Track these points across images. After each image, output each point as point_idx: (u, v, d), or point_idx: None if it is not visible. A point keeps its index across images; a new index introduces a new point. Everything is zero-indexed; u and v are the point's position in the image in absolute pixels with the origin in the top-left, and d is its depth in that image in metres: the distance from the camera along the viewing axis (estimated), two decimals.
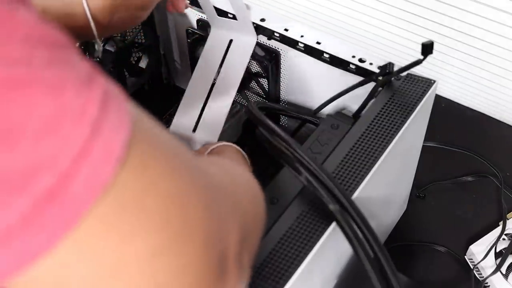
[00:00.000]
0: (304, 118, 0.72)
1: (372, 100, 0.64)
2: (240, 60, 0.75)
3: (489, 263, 0.76)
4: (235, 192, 0.39)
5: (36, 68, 0.25)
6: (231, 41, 0.76)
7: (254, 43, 0.75)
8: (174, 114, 0.95)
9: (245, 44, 0.75)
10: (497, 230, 0.80)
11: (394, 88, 0.64)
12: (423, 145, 0.75)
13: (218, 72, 0.76)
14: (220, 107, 0.73)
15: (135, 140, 0.29)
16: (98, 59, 0.80)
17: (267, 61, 0.76)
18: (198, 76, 0.77)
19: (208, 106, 0.75)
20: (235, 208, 0.37)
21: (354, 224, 0.50)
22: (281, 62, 0.77)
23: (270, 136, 0.56)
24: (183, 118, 0.75)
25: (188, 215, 0.30)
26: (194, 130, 0.75)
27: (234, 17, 0.75)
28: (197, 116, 0.75)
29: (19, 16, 0.25)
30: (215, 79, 0.76)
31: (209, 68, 0.76)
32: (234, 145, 0.61)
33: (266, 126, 0.57)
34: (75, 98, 0.26)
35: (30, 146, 0.25)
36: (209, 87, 0.76)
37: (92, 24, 0.57)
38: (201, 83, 0.76)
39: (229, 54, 0.76)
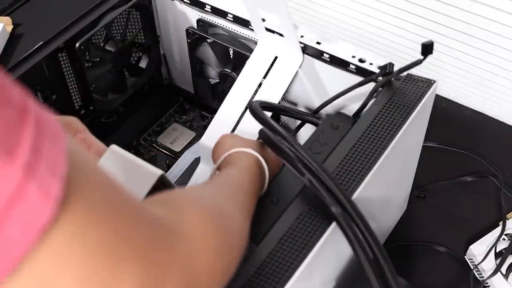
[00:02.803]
0: (304, 118, 0.71)
1: (372, 100, 0.64)
2: (282, 79, 0.74)
3: (489, 264, 0.76)
4: (189, 239, 0.36)
5: None
6: (276, 58, 0.75)
7: (300, 63, 0.73)
8: (174, 114, 0.95)
9: (290, 63, 0.74)
10: (497, 230, 0.80)
11: (394, 88, 0.64)
12: (423, 145, 0.75)
13: (259, 86, 0.74)
14: (255, 123, 0.71)
15: (72, 181, 0.28)
16: (98, 59, 0.80)
17: None
18: (238, 89, 0.75)
19: (243, 121, 0.73)
20: (179, 259, 0.34)
21: (356, 227, 0.49)
22: None
23: (273, 136, 0.56)
24: (216, 130, 0.72)
25: (118, 267, 0.29)
26: None
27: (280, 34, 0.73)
28: (230, 130, 0.73)
29: None
30: (254, 94, 0.74)
31: (250, 82, 0.75)
32: (253, 153, 0.58)
33: (269, 126, 0.57)
34: (4, 139, 0.25)
35: None
36: (248, 101, 0.74)
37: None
38: (240, 97, 0.74)
39: (272, 71, 0.74)
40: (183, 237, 0.36)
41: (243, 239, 0.46)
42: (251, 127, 0.63)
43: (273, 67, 0.75)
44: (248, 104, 0.73)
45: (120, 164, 0.52)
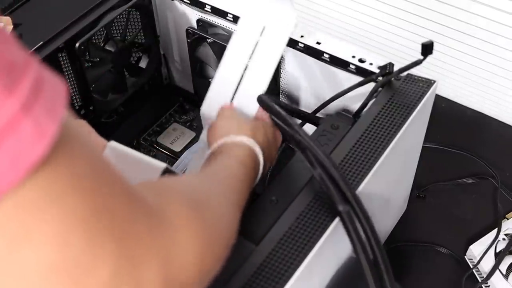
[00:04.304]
0: (305, 118, 0.71)
1: (372, 100, 0.64)
2: (273, 51, 0.68)
3: (489, 264, 0.76)
4: (174, 225, 0.35)
5: None
6: (264, 28, 0.68)
7: (293, 25, 0.67)
8: (174, 114, 0.95)
9: (280, 30, 0.67)
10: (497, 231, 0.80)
11: (394, 88, 0.64)
12: (423, 145, 0.75)
13: (247, 64, 0.69)
14: (249, 103, 0.66)
15: (60, 144, 0.27)
16: (98, 59, 0.80)
17: None
18: (224, 69, 0.69)
19: (236, 98, 0.69)
20: (162, 243, 0.33)
21: (360, 227, 0.49)
22: (281, 62, 0.77)
23: (287, 129, 0.56)
24: (209, 111, 0.69)
25: (93, 238, 0.28)
26: None
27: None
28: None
29: None
30: (243, 72, 0.69)
31: (237, 59, 0.69)
32: (249, 144, 0.56)
33: (283, 119, 0.57)
34: (7, 75, 0.25)
35: None
36: (238, 79, 0.69)
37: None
38: (229, 76, 0.69)
39: (260, 43, 0.68)
40: (167, 222, 0.35)
41: (232, 231, 0.44)
42: (244, 108, 0.62)
43: (260, 40, 0.68)
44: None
45: (122, 160, 0.52)
